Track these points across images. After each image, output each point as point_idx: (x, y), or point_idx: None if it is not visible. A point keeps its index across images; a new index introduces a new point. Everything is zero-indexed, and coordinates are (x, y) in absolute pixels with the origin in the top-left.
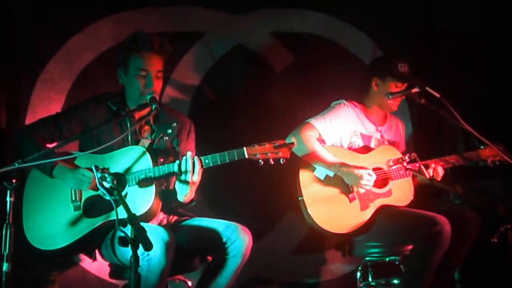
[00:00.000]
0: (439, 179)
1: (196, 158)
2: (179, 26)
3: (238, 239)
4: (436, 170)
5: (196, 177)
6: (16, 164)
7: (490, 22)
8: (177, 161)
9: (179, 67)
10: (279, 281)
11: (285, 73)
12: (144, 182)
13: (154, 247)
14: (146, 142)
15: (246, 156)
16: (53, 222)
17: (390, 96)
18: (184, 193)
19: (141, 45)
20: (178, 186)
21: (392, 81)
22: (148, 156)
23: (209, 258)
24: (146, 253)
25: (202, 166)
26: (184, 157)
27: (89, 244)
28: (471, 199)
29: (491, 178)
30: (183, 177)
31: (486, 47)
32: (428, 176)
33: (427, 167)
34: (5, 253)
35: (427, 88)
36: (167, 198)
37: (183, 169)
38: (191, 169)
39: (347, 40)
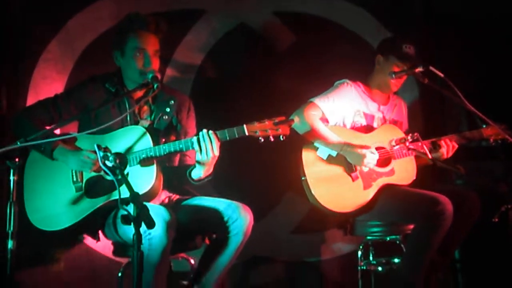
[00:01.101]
0: (450, 154)
1: (211, 133)
2: (180, 4)
3: (239, 218)
4: (448, 145)
5: (216, 152)
6: (19, 143)
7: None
8: (194, 138)
9: (181, 46)
10: (279, 260)
11: (287, 52)
12: (145, 162)
13: (155, 226)
14: (146, 123)
15: (246, 133)
16: (55, 203)
17: (394, 75)
18: (203, 169)
19: (137, 26)
20: (197, 164)
21: (395, 61)
22: (148, 135)
23: (212, 236)
24: (148, 231)
25: (219, 140)
26: (201, 134)
27: (91, 224)
28: (473, 179)
29: (493, 158)
30: (203, 154)
31: (488, 31)
32: (430, 156)
33: (438, 146)
34: (9, 231)
35: (431, 68)
36: (170, 176)
37: (202, 145)
38: (210, 144)
39: (350, 20)
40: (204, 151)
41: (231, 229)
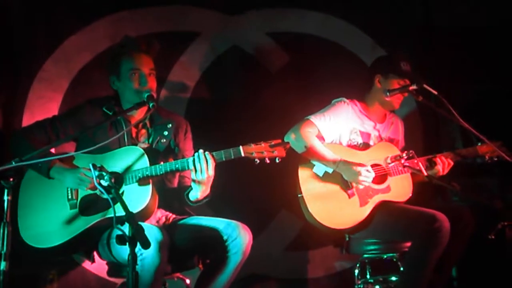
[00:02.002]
0: (446, 171)
1: (207, 153)
2: (176, 26)
3: (239, 236)
4: (443, 163)
5: (211, 172)
6: (14, 163)
7: (489, 19)
8: (190, 158)
9: (176, 67)
10: (274, 277)
11: (280, 73)
12: (141, 181)
13: None
14: (144, 146)
15: (242, 155)
16: (48, 220)
17: (388, 94)
18: (200, 189)
19: (130, 47)
20: (193, 184)
21: (395, 79)
22: (145, 156)
23: (209, 256)
24: (140, 252)
25: (215, 161)
26: (197, 154)
27: (85, 242)
28: (468, 196)
29: (489, 175)
30: (198, 174)
31: (485, 44)
32: (425, 173)
33: (434, 163)
34: (2, 252)
35: (425, 86)
36: (170, 197)
37: (196, 165)
38: (205, 164)
39: (345, 38)
40: (199, 171)
41: (230, 248)
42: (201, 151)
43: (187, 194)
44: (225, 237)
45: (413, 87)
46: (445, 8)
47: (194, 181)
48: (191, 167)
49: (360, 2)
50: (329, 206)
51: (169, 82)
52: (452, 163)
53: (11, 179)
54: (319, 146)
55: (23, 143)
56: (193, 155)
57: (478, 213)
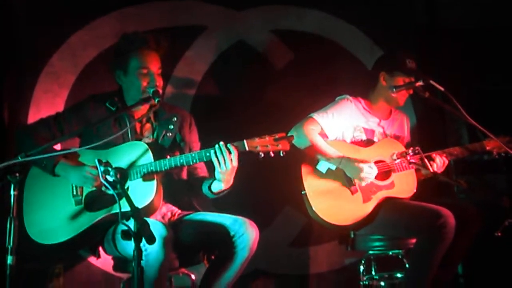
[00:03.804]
0: (440, 170)
1: (230, 144)
2: (181, 21)
3: (245, 232)
4: (435, 160)
5: (235, 162)
6: (20, 158)
7: (493, 20)
8: (210, 149)
9: (182, 62)
10: (277, 273)
11: (285, 69)
12: (145, 176)
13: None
14: (148, 140)
15: (247, 149)
16: (54, 216)
17: (394, 90)
18: (224, 180)
19: (138, 44)
20: (217, 175)
21: (401, 76)
22: (149, 150)
23: (215, 252)
24: (144, 247)
25: (238, 151)
26: (217, 146)
27: (90, 238)
28: (475, 193)
29: (496, 172)
30: (222, 165)
31: (489, 45)
32: (431, 170)
33: (431, 160)
34: (9, 246)
35: (431, 82)
36: (179, 189)
37: (219, 157)
38: (229, 155)
39: (345, 38)
40: (223, 162)
41: (238, 243)
42: (221, 143)
43: (209, 186)
44: (232, 233)
45: (420, 83)
46: (448, 8)
47: (218, 172)
48: (214, 158)
49: (364, 3)
50: (332, 203)
51: (175, 77)
52: (447, 161)
53: (17, 174)
54: (321, 143)
55: (27, 141)
56: (214, 147)
57: (485, 210)
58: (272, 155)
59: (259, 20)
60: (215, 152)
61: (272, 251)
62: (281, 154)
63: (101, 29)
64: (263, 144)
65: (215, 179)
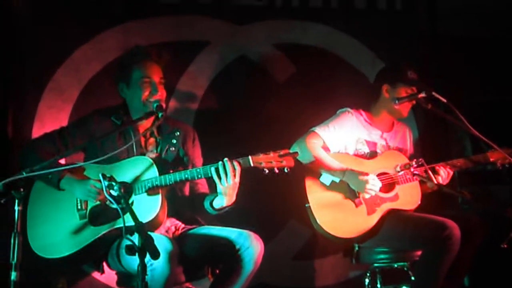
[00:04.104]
0: (445, 182)
1: (234, 160)
2: (184, 35)
3: (251, 246)
4: (439, 172)
5: (237, 179)
6: (24, 173)
7: (495, 28)
8: (212, 166)
9: (184, 76)
10: (282, 286)
11: (287, 83)
12: (150, 191)
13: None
14: (152, 155)
15: (252, 165)
16: (57, 230)
17: (397, 102)
18: (226, 197)
19: (140, 57)
20: (219, 192)
21: (403, 87)
22: (154, 165)
23: (220, 266)
24: (150, 262)
25: (241, 167)
26: (220, 162)
27: (94, 253)
28: (479, 204)
29: (500, 183)
30: (223, 181)
31: (491, 53)
32: (435, 181)
33: (435, 172)
34: (13, 262)
35: (434, 93)
36: (182, 205)
37: (221, 174)
38: (232, 172)
39: (347, 51)
40: (224, 178)
41: (243, 257)
42: (226, 159)
43: (211, 202)
44: (237, 246)
45: (422, 94)
46: (451, 19)
47: (219, 189)
48: (215, 175)
49: (365, 15)
50: (336, 215)
51: (178, 91)
52: (451, 173)
53: (22, 190)
54: (324, 156)
55: (32, 155)
56: (218, 163)
57: (491, 222)
58: (277, 171)
59: (262, 34)
60: (218, 168)
61: (277, 264)
62: (286, 171)
63: (105, 43)
64: (267, 160)
65: (217, 194)
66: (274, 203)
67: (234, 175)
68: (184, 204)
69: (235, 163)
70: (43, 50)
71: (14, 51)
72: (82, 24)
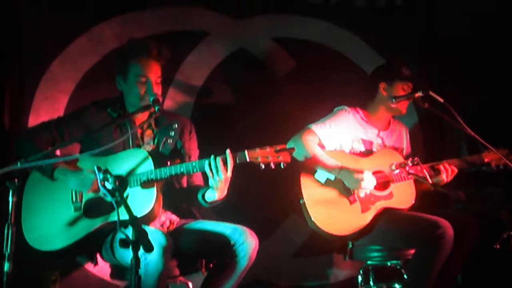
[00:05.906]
0: (449, 179)
1: (228, 153)
2: (183, 26)
3: (245, 242)
4: (446, 170)
5: (229, 173)
6: (19, 164)
7: (493, 30)
8: (205, 160)
9: (183, 67)
10: (280, 283)
11: (286, 77)
12: (145, 184)
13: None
14: (148, 147)
15: (248, 160)
16: (52, 222)
17: (394, 100)
18: (217, 191)
19: (139, 52)
20: (211, 185)
21: (399, 84)
22: (149, 158)
23: (214, 261)
24: (144, 256)
25: (234, 161)
26: (212, 157)
27: (88, 245)
28: (473, 205)
29: (494, 184)
30: (215, 176)
31: (489, 55)
32: (430, 181)
33: (438, 171)
34: (6, 253)
35: (431, 93)
36: (178, 197)
37: (213, 168)
38: (222, 166)
39: (347, 48)
40: (216, 173)
41: (238, 252)
42: (228, 151)
43: (202, 195)
44: (232, 242)
45: (419, 94)
46: (449, 20)
47: (211, 183)
48: (207, 169)
49: (365, 13)
50: (331, 212)
51: (175, 82)
52: (456, 170)
53: (16, 180)
54: (320, 153)
55: (28, 144)
56: (209, 158)
57: (484, 222)
58: (273, 166)
59: (261, 28)
60: (209, 163)
61: (274, 261)
62: (282, 166)
63: (102, 35)
64: (264, 155)
65: (209, 187)
66: (274, 198)
67: (226, 170)
68: (180, 196)
69: (229, 157)
70: (40, 41)
71: (11, 42)
72: (79, 15)
